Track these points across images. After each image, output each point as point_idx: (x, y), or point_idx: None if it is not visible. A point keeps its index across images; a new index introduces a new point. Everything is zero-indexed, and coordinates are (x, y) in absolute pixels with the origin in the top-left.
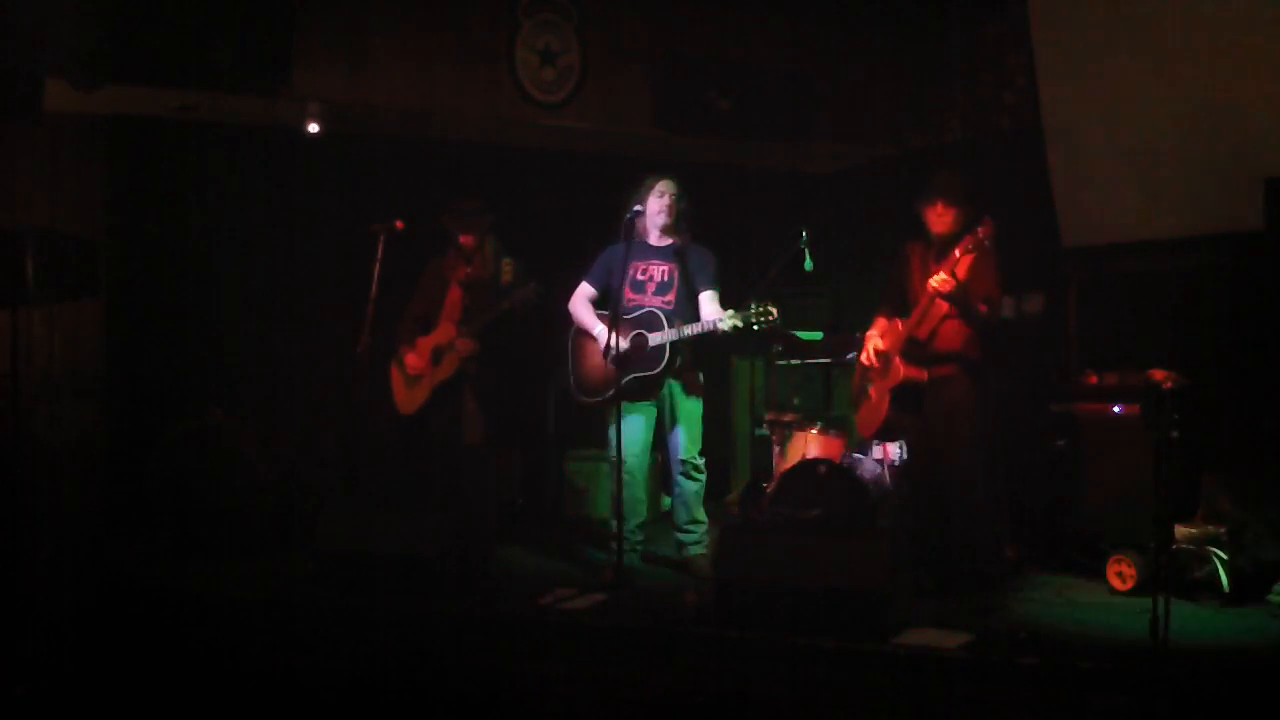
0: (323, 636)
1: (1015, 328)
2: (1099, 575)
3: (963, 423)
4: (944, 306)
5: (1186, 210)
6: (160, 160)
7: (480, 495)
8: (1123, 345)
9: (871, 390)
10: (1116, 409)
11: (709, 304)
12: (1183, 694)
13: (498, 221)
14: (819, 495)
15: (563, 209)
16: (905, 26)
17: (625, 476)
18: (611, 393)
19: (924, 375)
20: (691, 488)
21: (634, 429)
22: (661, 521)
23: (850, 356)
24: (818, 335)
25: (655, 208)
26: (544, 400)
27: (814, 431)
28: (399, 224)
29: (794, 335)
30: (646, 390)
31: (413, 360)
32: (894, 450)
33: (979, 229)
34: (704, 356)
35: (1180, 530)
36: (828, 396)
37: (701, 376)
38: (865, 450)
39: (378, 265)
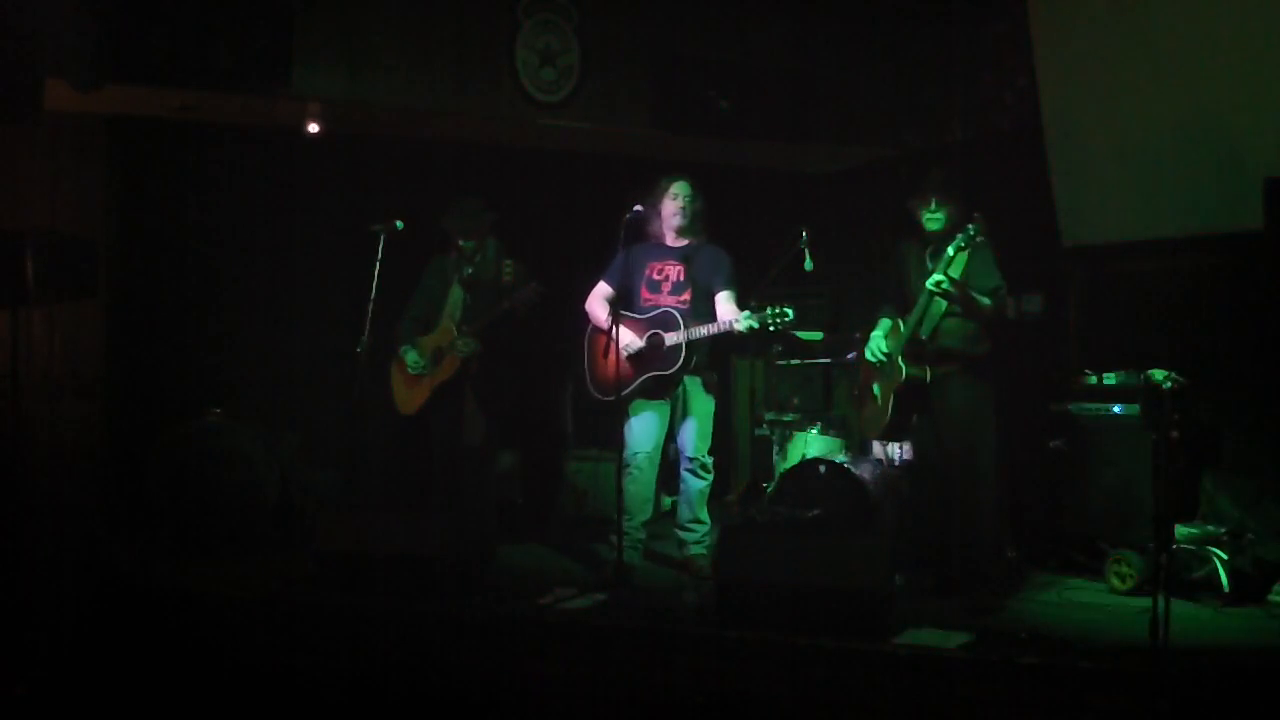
0: (323, 636)
1: (1015, 328)
2: (1099, 575)
3: (965, 422)
4: (944, 304)
5: (1186, 210)
6: (160, 160)
7: (480, 495)
8: (1123, 345)
9: (876, 391)
10: (1116, 409)
11: (725, 304)
12: (1183, 694)
13: (498, 221)
14: (819, 495)
15: (562, 209)
16: (905, 26)
17: (634, 472)
18: (627, 391)
19: (926, 374)
20: (697, 486)
21: (647, 426)
22: (664, 520)
23: (850, 356)
24: (818, 335)
25: (669, 209)
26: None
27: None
28: (399, 224)
29: (794, 335)
30: (661, 389)
31: (413, 362)
32: (894, 450)
33: (970, 225)
34: (716, 357)
35: (1180, 530)
36: (828, 396)
37: (715, 376)
38: (866, 450)
39: (378, 265)
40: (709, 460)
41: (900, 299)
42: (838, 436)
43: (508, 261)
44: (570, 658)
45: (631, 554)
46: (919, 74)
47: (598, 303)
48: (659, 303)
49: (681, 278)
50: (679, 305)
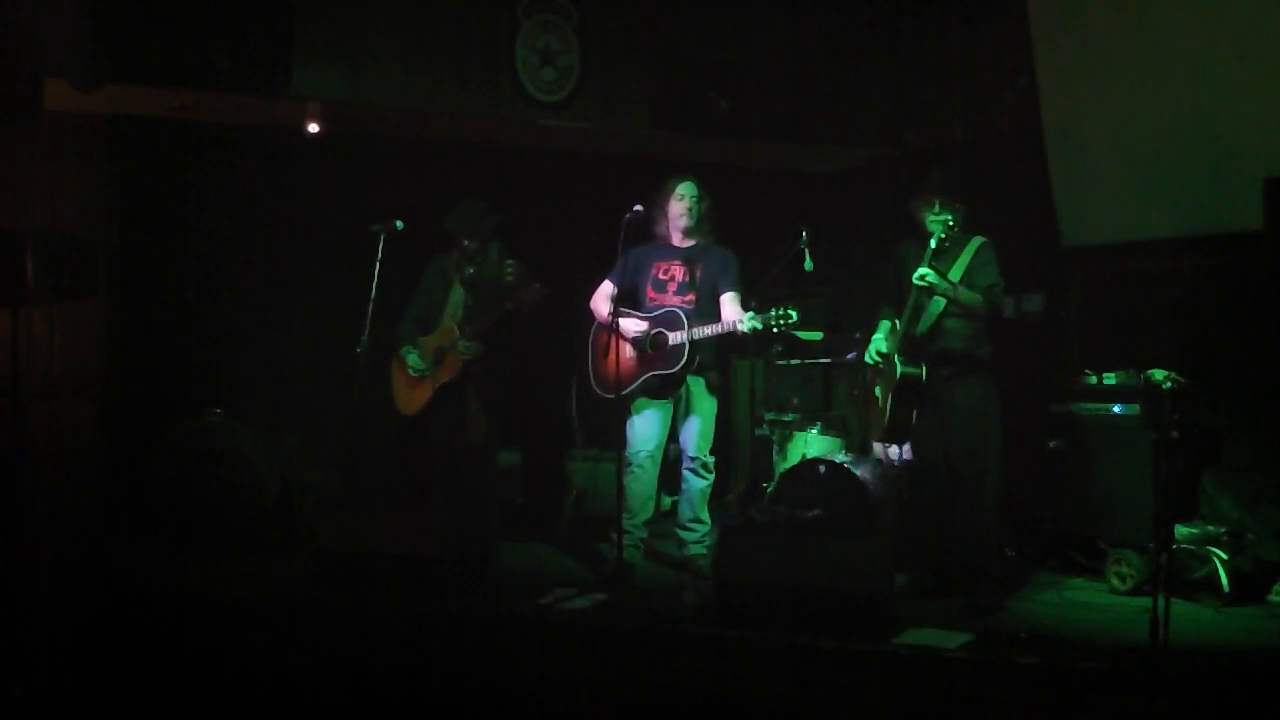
0: (323, 636)
1: (1015, 328)
2: (1099, 575)
3: (968, 423)
4: (941, 304)
5: (1186, 210)
6: (160, 160)
7: (481, 495)
8: (1123, 345)
9: (877, 391)
10: (1116, 409)
11: (730, 305)
12: (1183, 694)
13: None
14: (819, 495)
15: (562, 209)
16: (905, 26)
17: (637, 471)
18: (629, 389)
19: (922, 372)
20: (699, 485)
21: (650, 425)
22: (664, 520)
23: (850, 356)
24: (818, 335)
25: (676, 210)
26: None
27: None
28: (399, 224)
29: (794, 335)
30: (665, 388)
31: (414, 363)
32: (895, 450)
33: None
34: (719, 357)
35: (1180, 530)
36: (828, 396)
37: (719, 377)
38: (866, 450)
39: (378, 265)
40: (711, 460)
41: (900, 299)
42: (838, 436)
43: (509, 262)
44: (570, 658)
45: (632, 553)
46: (919, 74)
47: (602, 301)
48: (664, 302)
49: (687, 278)
50: (684, 305)
